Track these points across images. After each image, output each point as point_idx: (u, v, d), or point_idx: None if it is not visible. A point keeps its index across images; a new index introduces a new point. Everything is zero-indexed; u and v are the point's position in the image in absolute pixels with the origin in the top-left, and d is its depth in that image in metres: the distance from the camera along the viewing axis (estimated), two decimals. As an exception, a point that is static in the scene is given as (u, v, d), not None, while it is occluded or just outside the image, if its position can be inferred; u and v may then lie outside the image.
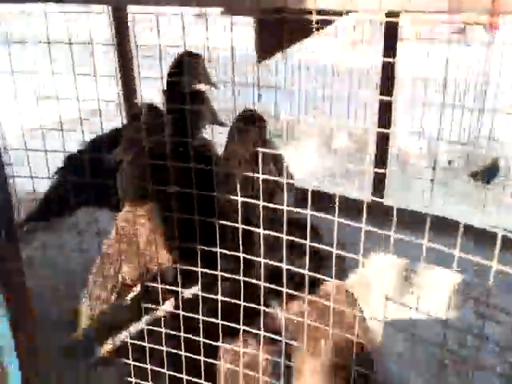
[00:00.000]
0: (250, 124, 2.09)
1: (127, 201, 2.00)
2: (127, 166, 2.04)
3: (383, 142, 2.86)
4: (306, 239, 1.04)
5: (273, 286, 1.20)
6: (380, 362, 1.78)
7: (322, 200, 1.40)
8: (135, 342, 1.46)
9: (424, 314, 0.91)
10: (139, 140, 1.91)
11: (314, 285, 1.95)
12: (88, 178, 1.32)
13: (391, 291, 2.37)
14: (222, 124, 2.35)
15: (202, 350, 1.43)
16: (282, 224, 1.19)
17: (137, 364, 1.45)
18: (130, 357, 1.43)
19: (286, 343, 1.63)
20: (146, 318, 2.17)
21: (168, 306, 2.25)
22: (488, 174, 4.10)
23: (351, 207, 0.88)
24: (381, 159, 2.89)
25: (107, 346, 1.99)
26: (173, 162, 1.31)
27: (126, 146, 1.96)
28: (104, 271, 1.95)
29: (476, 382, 1.95)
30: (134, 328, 2.12)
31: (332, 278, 1.05)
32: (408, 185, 3.72)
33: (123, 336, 2.07)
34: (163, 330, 1.38)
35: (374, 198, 2.70)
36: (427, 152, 4.40)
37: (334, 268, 1.05)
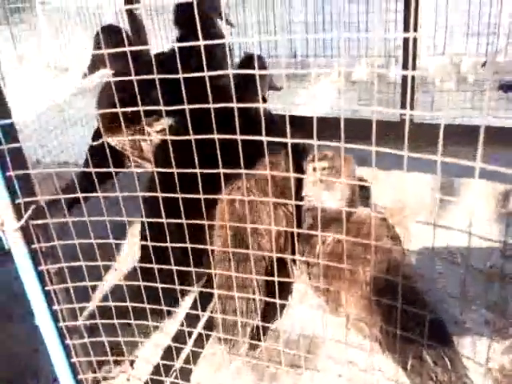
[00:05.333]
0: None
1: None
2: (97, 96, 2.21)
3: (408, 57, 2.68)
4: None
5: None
6: (420, 286, 1.67)
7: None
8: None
9: (465, 231, 0.80)
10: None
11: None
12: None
13: (430, 211, 2.23)
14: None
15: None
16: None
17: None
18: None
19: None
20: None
21: None
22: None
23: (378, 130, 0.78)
24: (406, 79, 2.69)
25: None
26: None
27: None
28: None
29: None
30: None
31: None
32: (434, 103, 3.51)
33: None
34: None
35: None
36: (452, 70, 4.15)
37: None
